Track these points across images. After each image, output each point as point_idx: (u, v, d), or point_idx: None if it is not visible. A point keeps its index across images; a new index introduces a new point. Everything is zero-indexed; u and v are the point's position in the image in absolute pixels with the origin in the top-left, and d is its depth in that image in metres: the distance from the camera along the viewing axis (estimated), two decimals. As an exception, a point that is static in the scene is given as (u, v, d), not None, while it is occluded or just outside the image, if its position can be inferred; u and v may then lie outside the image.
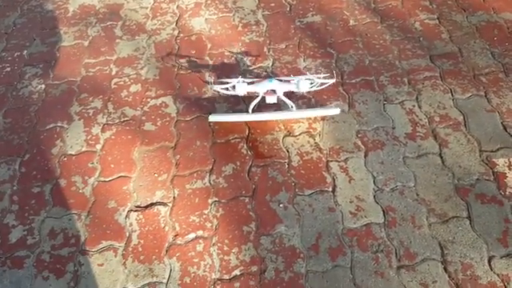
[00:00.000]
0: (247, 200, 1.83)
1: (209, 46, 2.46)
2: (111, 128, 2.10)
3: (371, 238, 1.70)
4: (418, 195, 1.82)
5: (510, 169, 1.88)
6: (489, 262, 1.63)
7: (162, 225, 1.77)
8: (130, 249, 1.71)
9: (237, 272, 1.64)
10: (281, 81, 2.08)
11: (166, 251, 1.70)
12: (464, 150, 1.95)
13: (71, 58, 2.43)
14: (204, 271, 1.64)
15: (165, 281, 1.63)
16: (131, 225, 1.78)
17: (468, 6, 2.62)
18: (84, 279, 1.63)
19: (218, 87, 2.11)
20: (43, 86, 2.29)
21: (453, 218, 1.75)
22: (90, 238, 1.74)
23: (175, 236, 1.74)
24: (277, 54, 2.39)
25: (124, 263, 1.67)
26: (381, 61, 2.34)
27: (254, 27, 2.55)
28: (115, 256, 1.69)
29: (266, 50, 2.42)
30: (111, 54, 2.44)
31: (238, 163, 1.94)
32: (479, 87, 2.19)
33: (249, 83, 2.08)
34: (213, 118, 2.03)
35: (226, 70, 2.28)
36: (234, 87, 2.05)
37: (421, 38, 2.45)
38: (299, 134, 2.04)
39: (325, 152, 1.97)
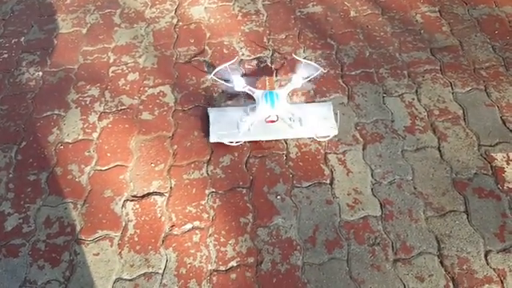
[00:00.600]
0: (244, 191, 1.82)
1: (208, 34, 2.43)
2: (108, 116, 2.08)
3: (368, 230, 1.70)
4: (415, 189, 1.81)
5: (508, 163, 1.87)
6: (485, 256, 1.63)
7: (159, 215, 1.77)
8: (126, 239, 1.70)
9: (233, 263, 1.64)
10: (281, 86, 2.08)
11: (163, 241, 1.70)
12: (463, 144, 1.95)
13: (69, 46, 2.40)
14: (200, 262, 1.64)
15: (161, 271, 1.62)
16: (127, 214, 1.77)
17: (470, -2, 2.60)
18: (79, 268, 1.63)
19: (216, 77, 2.09)
20: (40, 73, 2.27)
21: (450, 211, 1.74)
22: (85, 227, 1.73)
23: (172, 226, 1.73)
24: (276, 45, 2.37)
25: (120, 253, 1.67)
26: (381, 53, 2.33)
27: (253, 17, 2.52)
28: (111, 246, 1.69)
29: (265, 39, 2.40)
30: (109, 42, 2.41)
31: (236, 154, 1.93)
32: (479, 81, 2.17)
33: (249, 89, 2.05)
34: (213, 139, 1.96)
35: (225, 60, 2.25)
36: (231, 81, 2.06)
37: (421, 31, 2.43)
38: (298, 126, 2.02)
39: (323, 144, 1.96)
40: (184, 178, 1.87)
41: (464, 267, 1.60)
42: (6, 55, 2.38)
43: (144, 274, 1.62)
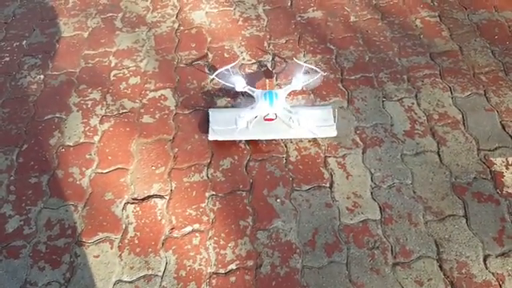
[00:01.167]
0: (244, 194, 1.83)
1: (209, 39, 2.45)
2: (109, 120, 2.10)
3: (367, 234, 1.70)
4: (414, 193, 1.82)
5: (507, 168, 1.88)
6: (484, 260, 1.63)
7: (159, 217, 1.77)
8: (126, 241, 1.71)
9: (233, 266, 1.64)
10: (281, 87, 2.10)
11: (162, 244, 1.70)
12: (462, 149, 1.95)
13: (70, 49, 2.42)
14: (200, 265, 1.64)
15: (160, 274, 1.63)
16: (128, 217, 1.77)
17: (469, 3, 2.61)
18: (80, 270, 1.63)
19: (217, 78, 2.14)
20: (42, 77, 2.29)
21: (449, 216, 1.75)
22: (86, 230, 1.74)
23: (171, 229, 1.74)
24: (277, 49, 2.38)
25: (120, 255, 1.67)
26: (381, 58, 2.34)
27: (254, 22, 2.54)
28: (111, 248, 1.69)
29: (266, 44, 2.41)
30: (111, 46, 2.43)
31: (236, 157, 1.94)
32: (479, 86, 2.18)
33: (249, 88, 2.08)
34: (211, 137, 1.98)
35: (226, 64, 2.26)
36: (233, 81, 2.09)
37: (421, 36, 2.45)
38: (298, 130, 2.03)
39: (323, 148, 1.97)
40: (184, 181, 1.88)
41: (463, 271, 1.61)
42: (7, 58, 2.40)
43: (144, 277, 1.62)
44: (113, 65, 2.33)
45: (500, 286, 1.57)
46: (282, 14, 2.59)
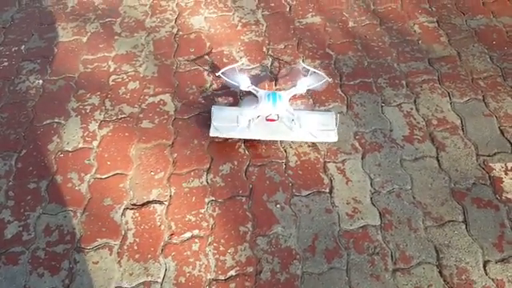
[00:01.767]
0: (244, 200, 1.83)
1: (208, 44, 2.45)
2: (108, 125, 2.09)
3: (367, 240, 1.70)
4: (414, 198, 1.82)
5: (506, 174, 1.89)
6: (484, 266, 1.63)
7: (158, 223, 1.77)
8: (126, 247, 1.70)
9: (232, 272, 1.63)
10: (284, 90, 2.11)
11: (162, 250, 1.69)
12: (461, 154, 1.96)
13: (69, 54, 2.41)
14: (199, 271, 1.64)
15: (160, 280, 1.62)
16: (127, 223, 1.77)
17: (467, 9, 2.62)
18: (79, 277, 1.62)
19: (223, 76, 2.18)
20: (41, 82, 2.28)
21: (449, 221, 1.75)
22: (85, 236, 1.73)
23: (171, 235, 1.73)
24: (276, 54, 2.39)
25: (119, 261, 1.67)
26: (379, 63, 2.35)
27: (253, 27, 2.54)
28: (110, 254, 1.68)
29: (265, 49, 2.42)
30: (109, 51, 2.43)
31: (236, 162, 1.94)
32: (477, 91, 2.19)
33: (254, 88, 2.10)
34: (213, 133, 1.99)
35: (226, 72, 2.26)
36: (238, 80, 2.12)
37: (419, 41, 2.46)
38: (297, 135, 2.03)
39: (322, 153, 1.97)
40: (184, 187, 1.87)
41: (463, 277, 1.61)
42: (6, 63, 2.39)
43: (143, 283, 1.61)
44: (112, 70, 2.33)
45: (500, 291, 1.57)
46: (281, 19, 2.59)
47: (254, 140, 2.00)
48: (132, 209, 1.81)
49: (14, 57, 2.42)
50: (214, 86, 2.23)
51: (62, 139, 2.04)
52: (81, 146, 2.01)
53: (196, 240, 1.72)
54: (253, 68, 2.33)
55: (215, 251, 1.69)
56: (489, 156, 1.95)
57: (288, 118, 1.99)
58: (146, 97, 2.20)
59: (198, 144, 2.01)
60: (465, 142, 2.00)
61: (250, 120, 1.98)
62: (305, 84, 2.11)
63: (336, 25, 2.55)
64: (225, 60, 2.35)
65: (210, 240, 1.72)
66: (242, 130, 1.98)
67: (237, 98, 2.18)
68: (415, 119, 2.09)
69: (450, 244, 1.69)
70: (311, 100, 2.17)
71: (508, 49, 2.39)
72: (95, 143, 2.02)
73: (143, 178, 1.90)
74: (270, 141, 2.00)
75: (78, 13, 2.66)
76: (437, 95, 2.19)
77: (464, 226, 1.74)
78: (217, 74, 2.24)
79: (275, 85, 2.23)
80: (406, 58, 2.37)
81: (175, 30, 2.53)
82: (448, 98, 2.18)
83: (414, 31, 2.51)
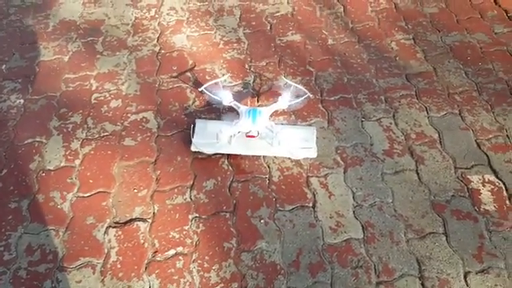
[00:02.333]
0: (228, 216, 1.83)
1: (190, 62, 2.47)
2: (91, 143, 2.08)
3: (351, 253, 1.72)
4: (395, 211, 1.85)
5: (483, 186, 1.93)
6: (465, 277, 1.66)
7: (142, 241, 1.76)
8: (109, 265, 1.69)
9: (217, 289, 1.63)
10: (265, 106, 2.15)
11: (146, 268, 1.68)
12: (440, 167, 2.00)
13: (51, 73, 2.41)
14: (184, 288, 1.64)
15: (144, 298, 1.61)
16: (110, 241, 1.75)
17: (442, 26, 2.71)
18: (61, 297, 1.60)
19: (206, 91, 2.22)
20: (22, 101, 2.26)
21: (429, 233, 1.78)
22: (67, 255, 1.71)
23: (155, 252, 1.72)
24: (258, 71, 2.42)
25: (102, 280, 1.65)
26: (358, 79, 2.40)
27: (235, 45, 2.58)
28: (93, 273, 1.67)
29: (247, 66, 2.45)
30: (91, 70, 2.43)
31: (219, 178, 1.95)
32: (453, 105, 2.25)
33: (235, 104, 2.13)
34: (193, 148, 2.01)
35: (208, 87, 2.29)
36: (220, 95, 2.16)
37: (397, 58, 2.52)
38: (279, 150, 2.06)
39: (305, 167, 1.99)
40: (167, 204, 1.87)
41: (445, 288, 1.64)
42: (-14, 83, 2.37)
43: (127, 302, 1.60)
44: (94, 88, 2.33)
45: (481, 301, 1.60)
46: (262, 37, 2.63)
47: (237, 155, 2.01)
48: (115, 227, 1.80)
49: (-5, 76, 2.41)
50: (197, 103, 2.25)
51: (43, 158, 2.02)
52: (63, 164, 2.00)
53: (180, 257, 1.71)
54: (235, 85, 2.35)
55: (199, 268, 1.69)
56: (466, 169, 1.99)
57: (268, 134, 2.01)
58: (129, 114, 2.20)
59: (181, 161, 2.01)
60: (443, 156, 2.04)
61: (230, 136, 2.00)
62: (286, 100, 2.15)
63: (316, 42, 2.61)
64: (207, 77, 2.38)
65: (194, 257, 1.71)
66: (223, 145, 2.00)
67: (219, 114, 2.20)
68: (394, 133, 2.14)
69: (431, 256, 1.72)
70: (293, 116, 2.20)
71: (482, 64, 2.47)
72: (77, 162, 2.01)
73: (126, 196, 1.89)
74: (253, 156, 2.02)
75: (60, 32, 2.66)
76: (415, 110, 2.24)
77: (444, 238, 1.77)
78: (200, 89, 2.26)
79: (257, 101, 2.26)
80: (384, 74, 2.43)
81: (157, 49, 2.55)
82: (425, 112, 2.23)
83: (392, 48, 2.58)
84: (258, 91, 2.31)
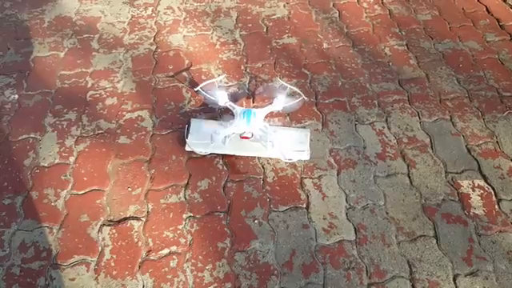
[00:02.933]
0: (222, 215, 1.84)
1: (186, 61, 2.48)
2: (85, 140, 2.08)
3: (343, 255, 1.75)
4: (387, 213, 1.88)
5: (473, 190, 1.97)
6: (454, 280, 1.70)
7: (135, 240, 1.76)
8: (103, 264, 1.69)
9: (211, 288, 1.65)
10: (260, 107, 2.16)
11: (139, 267, 1.69)
12: (431, 171, 2.04)
13: (46, 69, 2.40)
14: None
15: (138, 296, 1.62)
16: (104, 239, 1.76)
17: (435, 33, 2.75)
18: (54, 294, 1.61)
19: (202, 90, 2.23)
20: (16, 97, 2.25)
21: (420, 236, 1.81)
22: (61, 252, 1.71)
23: (148, 251, 1.73)
24: (253, 73, 2.44)
25: (96, 278, 1.65)
26: (352, 83, 2.43)
27: (231, 46, 2.59)
28: (87, 271, 1.67)
29: (243, 67, 2.47)
30: (87, 67, 2.42)
31: (214, 178, 1.96)
32: (445, 111, 2.29)
33: (230, 104, 2.14)
34: (187, 148, 2.03)
35: (204, 87, 2.30)
36: (216, 95, 2.16)
37: (390, 63, 2.55)
38: (274, 152, 2.07)
39: (299, 169, 2.01)
40: (161, 203, 1.88)
41: (434, 290, 1.67)
42: (-20, 77, 2.36)
43: (121, 300, 1.61)
44: (89, 85, 2.32)
45: (469, 304, 1.63)
46: (258, 39, 2.65)
47: (232, 156, 2.03)
48: (109, 225, 1.80)
49: (-11, 71, 2.40)
50: (193, 103, 2.26)
51: (38, 155, 2.01)
52: (57, 161, 2.00)
53: (174, 256, 1.72)
54: (231, 85, 2.37)
55: (193, 268, 1.70)
56: (457, 173, 2.03)
57: (262, 136, 2.03)
58: (124, 113, 2.21)
59: (175, 160, 2.02)
60: (434, 160, 2.08)
61: (225, 136, 2.01)
62: (281, 102, 2.16)
63: (311, 46, 2.63)
64: (203, 77, 2.39)
65: (187, 256, 1.72)
66: (217, 146, 2.01)
67: (215, 114, 2.21)
68: (387, 137, 2.17)
69: (421, 258, 1.75)
70: (287, 117, 2.22)
71: (473, 72, 2.51)
72: (72, 159, 2.01)
73: (120, 194, 1.90)
74: (247, 157, 2.03)
75: (55, 28, 2.65)
76: (407, 115, 2.27)
77: (435, 241, 1.80)
78: (195, 89, 2.27)
79: (252, 102, 2.28)
80: (377, 78, 2.46)
81: (154, 48, 2.55)
82: (417, 117, 2.26)
83: (385, 53, 2.61)
84: (253, 92, 2.33)
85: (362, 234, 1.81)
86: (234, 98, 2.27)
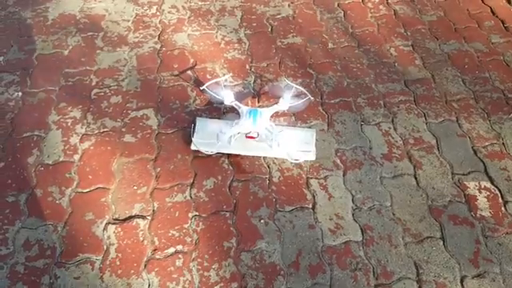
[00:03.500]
0: (228, 215, 1.83)
1: (191, 60, 2.47)
2: (90, 138, 2.07)
3: (350, 255, 1.73)
4: (394, 215, 1.87)
5: (480, 192, 1.96)
6: (461, 281, 1.69)
7: (141, 238, 1.75)
8: (108, 262, 1.68)
9: (217, 288, 1.63)
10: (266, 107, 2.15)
11: (145, 266, 1.68)
12: (437, 173, 2.03)
13: (50, 67, 2.38)
14: (183, 287, 1.63)
15: (143, 295, 1.60)
16: (109, 238, 1.74)
17: (440, 34, 2.74)
18: (59, 292, 1.59)
19: (208, 89, 2.22)
20: (20, 94, 2.24)
21: (427, 238, 1.80)
22: (66, 250, 1.69)
23: (154, 250, 1.72)
24: (259, 72, 2.43)
25: (101, 277, 1.64)
26: (358, 83, 2.42)
27: (236, 45, 2.58)
28: (92, 269, 1.66)
29: (248, 67, 2.46)
30: (91, 65, 2.41)
31: (220, 177, 1.95)
32: (451, 112, 2.28)
33: (236, 104, 2.13)
34: (193, 147, 2.02)
35: (209, 86, 2.29)
36: (221, 94, 2.15)
37: (396, 64, 2.55)
38: (280, 151, 2.06)
39: (305, 169, 2.00)
40: (167, 201, 1.87)
41: (442, 292, 1.66)
42: (-16, 75, 2.34)
43: (126, 299, 1.59)
44: (94, 83, 2.31)
45: (477, 306, 1.62)
46: (263, 38, 2.64)
47: (238, 155, 2.02)
48: (114, 223, 1.79)
49: (-7, 68, 2.38)
50: (198, 102, 2.24)
51: (42, 152, 2.00)
52: (62, 159, 1.98)
53: (180, 255, 1.71)
54: (236, 85, 2.36)
55: (199, 267, 1.68)
56: (463, 175, 2.02)
57: (267, 136, 2.02)
58: (129, 111, 2.19)
59: (181, 159, 2.01)
60: (440, 161, 2.07)
61: (230, 136, 2.00)
62: (287, 101, 2.15)
63: (316, 45, 2.62)
64: (208, 76, 2.38)
65: (193, 255, 1.71)
66: (222, 145, 2.00)
67: (220, 113, 2.20)
68: (393, 138, 2.16)
69: (428, 260, 1.74)
70: (293, 117, 2.21)
71: (479, 73, 2.50)
72: (76, 157, 1.99)
73: (125, 193, 1.89)
74: (253, 156, 2.02)
75: (59, 26, 2.64)
76: (413, 115, 2.27)
77: (442, 243, 1.79)
78: (201, 88, 2.26)
79: (258, 101, 2.27)
80: (383, 79, 2.45)
81: (158, 46, 2.54)
82: (424, 118, 2.26)
83: (391, 54, 2.61)
84: (258, 92, 2.32)
85: (369, 235, 1.80)
86: (240, 97, 2.25)
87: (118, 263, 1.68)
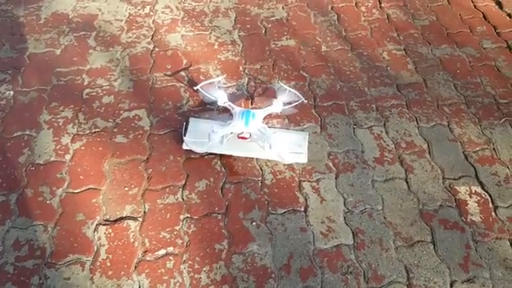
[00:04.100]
0: (220, 217, 1.83)
1: (184, 61, 2.46)
2: (81, 139, 2.05)
3: (341, 259, 1.74)
4: (385, 218, 1.87)
5: (470, 197, 1.98)
6: (451, 286, 1.70)
7: (132, 240, 1.74)
8: (98, 263, 1.67)
9: (208, 290, 1.63)
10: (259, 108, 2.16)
11: (135, 267, 1.67)
12: (428, 177, 2.04)
13: (42, 66, 2.36)
14: (174, 288, 1.63)
15: (134, 297, 1.59)
16: (99, 239, 1.73)
17: (433, 39, 2.76)
18: (49, 293, 1.58)
19: (201, 90, 2.22)
20: (11, 93, 2.21)
21: (418, 242, 1.81)
22: (56, 251, 1.68)
23: (145, 252, 1.71)
24: (252, 74, 2.43)
25: (91, 278, 1.63)
26: (351, 87, 2.42)
27: (229, 46, 2.58)
28: (82, 270, 1.64)
29: (241, 68, 2.45)
30: (84, 64, 2.39)
31: (212, 179, 1.94)
32: (442, 117, 2.30)
33: (230, 104, 2.13)
34: (184, 146, 2.02)
35: (203, 87, 2.28)
36: (215, 95, 2.16)
37: (388, 68, 2.56)
38: (272, 154, 2.06)
39: (297, 172, 2.00)
40: (158, 203, 1.86)
41: (432, 296, 1.66)
42: (-26, 72, 2.32)
43: (116, 301, 1.58)
44: (86, 83, 2.30)
45: (466, 310, 1.63)
46: (257, 40, 2.64)
47: (230, 157, 2.01)
48: (105, 224, 1.78)
49: (-16, 66, 2.36)
50: (191, 103, 2.24)
51: (33, 152, 1.98)
52: (53, 159, 1.97)
53: (170, 257, 1.71)
54: (229, 86, 2.35)
55: (190, 269, 1.68)
56: (454, 179, 2.04)
57: (260, 137, 2.02)
58: (121, 111, 2.18)
59: (173, 160, 2.00)
60: (432, 165, 2.08)
61: (223, 136, 2.00)
62: (280, 103, 2.16)
63: (310, 48, 2.63)
64: (201, 77, 2.37)
65: (184, 257, 1.71)
66: (214, 145, 2.00)
67: (213, 114, 2.19)
68: (385, 142, 2.17)
69: (419, 264, 1.75)
70: (286, 119, 2.21)
71: (471, 78, 2.52)
72: (68, 157, 1.98)
73: (117, 194, 1.88)
74: (245, 158, 2.02)
75: (52, 25, 2.62)
76: (405, 119, 2.28)
77: (432, 247, 1.80)
78: (195, 88, 2.25)
79: (251, 103, 2.27)
80: (375, 83, 2.46)
81: (151, 46, 2.53)
82: (415, 122, 2.27)
83: (383, 58, 2.62)
84: (252, 93, 2.32)
85: (360, 239, 1.80)
86: (233, 98, 2.25)
87: (108, 264, 1.67)
